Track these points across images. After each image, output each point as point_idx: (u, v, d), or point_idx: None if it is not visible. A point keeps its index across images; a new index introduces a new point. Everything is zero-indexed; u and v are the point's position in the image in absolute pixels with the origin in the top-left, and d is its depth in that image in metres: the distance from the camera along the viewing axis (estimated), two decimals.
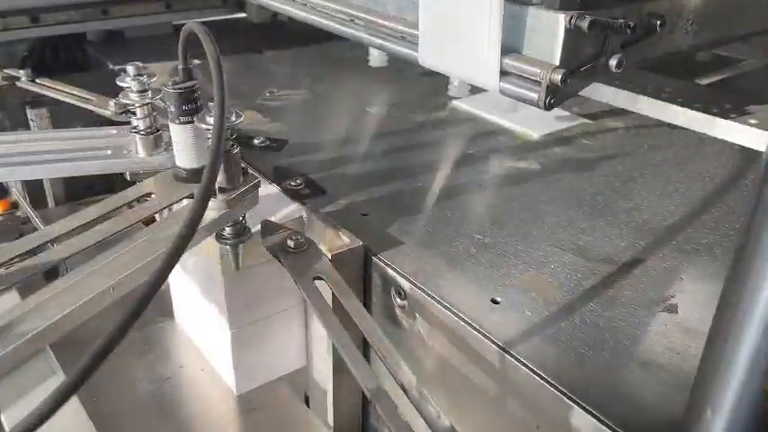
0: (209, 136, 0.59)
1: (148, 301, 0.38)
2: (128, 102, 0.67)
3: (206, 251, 0.68)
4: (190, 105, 0.61)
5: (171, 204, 0.62)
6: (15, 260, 0.55)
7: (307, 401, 0.79)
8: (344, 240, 0.64)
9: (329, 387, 0.69)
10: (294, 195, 0.74)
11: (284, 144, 0.86)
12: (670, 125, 0.92)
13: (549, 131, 0.91)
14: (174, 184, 0.64)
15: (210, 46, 0.51)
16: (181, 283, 0.79)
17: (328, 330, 0.54)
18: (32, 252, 0.55)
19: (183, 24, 0.96)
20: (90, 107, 0.94)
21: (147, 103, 0.67)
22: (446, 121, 0.96)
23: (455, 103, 1.01)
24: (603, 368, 0.50)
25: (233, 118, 0.59)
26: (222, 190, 0.60)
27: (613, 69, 0.59)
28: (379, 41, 0.71)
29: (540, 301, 0.57)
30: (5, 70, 1.05)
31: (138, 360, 0.77)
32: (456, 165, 0.82)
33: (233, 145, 0.60)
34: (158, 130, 0.70)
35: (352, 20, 0.74)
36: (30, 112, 1.03)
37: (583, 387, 0.48)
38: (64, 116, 1.02)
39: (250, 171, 0.71)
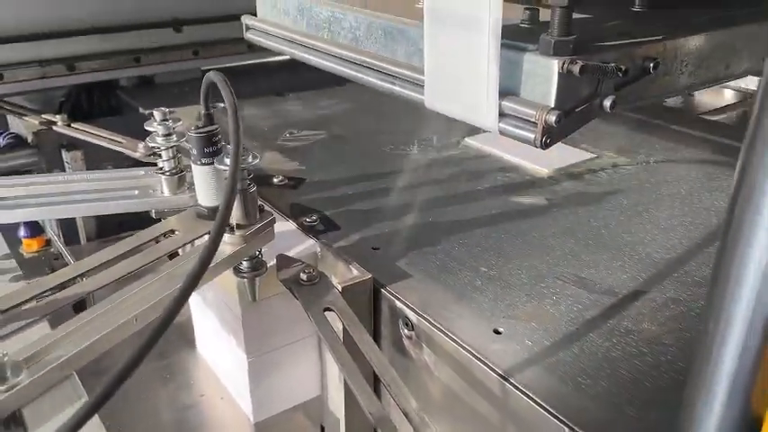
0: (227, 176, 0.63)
1: (162, 332, 0.42)
2: (154, 145, 0.71)
3: (225, 284, 0.71)
4: (210, 148, 0.66)
5: (193, 240, 0.66)
6: (47, 293, 0.59)
7: (322, 431, 0.81)
8: (354, 273, 0.67)
9: (341, 416, 0.71)
10: (309, 231, 0.77)
11: (301, 182, 0.90)
12: (677, 161, 0.95)
13: (559, 167, 0.94)
14: (197, 221, 0.69)
15: (228, 94, 0.55)
16: (202, 315, 0.83)
17: (337, 360, 0.56)
18: (62, 286, 0.59)
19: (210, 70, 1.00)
20: (121, 149, 1.00)
21: (171, 146, 0.72)
22: (458, 158, 1.00)
23: (467, 140, 1.04)
24: (598, 396, 0.52)
25: (249, 159, 0.63)
26: (239, 226, 0.64)
27: (607, 110, 0.62)
28: (389, 86, 0.75)
29: (540, 331, 0.60)
30: (43, 116, 1.12)
31: (161, 389, 0.80)
32: (466, 200, 0.85)
33: (250, 184, 0.64)
34: (182, 171, 0.74)
35: (363, 65, 0.78)
36: (65, 155, 1.09)
37: (576, 412, 0.50)
38: (97, 158, 1.08)
39: (267, 208, 0.75)
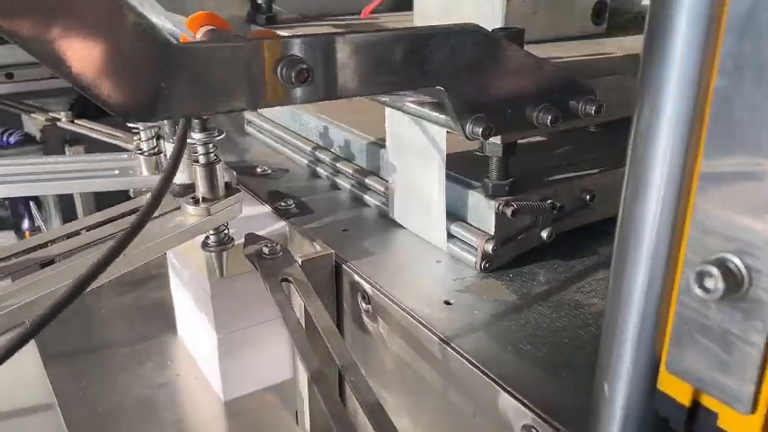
0: (196, 151, 0.66)
1: (95, 275, 0.44)
2: (133, 125, 0.74)
3: (196, 262, 0.73)
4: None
5: (162, 215, 0.69)
6: (18, 256, 0.62)
7: (296, 418, 0.82)
8: (316, 249, 0.68)
9: (305, 399, 0.72)
10: (283, 214, 0.79)
11: (284, 173, 0.93)
12: None
13: None
14: (168, 198, 0.71)
15: None
16: (181, 297, 0.85)
17: (286, 324, 0.58)
18: (31, 250, 0.62)
19: None
20: (118, 143, 1.04)
21: (150, 127, 0.75)
22: None
23: None
24: (538, 361, 0.53)
25: (215, 134, 0.65)
26: (205, 199, 0.66)
27: (545, 240, 0.67)
28: (362, 195, 0.81)
29: (489, 303, 0.60)
30: (49, 113, 1.17)
31: (137, 368, 0.82)
32: None
33: (215, 158, 0.66)
34: (160, 152, 0.77)
35: (345, 174, 0.86)
36: (68, 150, 1.14)
37: (512, 375, 0.51)
38: (97, 152, 1.12)
39: (252, 195, 0.78)
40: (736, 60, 0.30)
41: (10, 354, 0.40)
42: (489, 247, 0.63)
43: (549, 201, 0.66)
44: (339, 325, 0.71)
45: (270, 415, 0.78)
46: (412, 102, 0.65)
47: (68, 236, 0.65)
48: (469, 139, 0.58)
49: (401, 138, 0.70)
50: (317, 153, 0.90)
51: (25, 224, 1.14)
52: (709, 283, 0.32)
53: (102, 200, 1.16)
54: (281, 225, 0.77)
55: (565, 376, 0.51)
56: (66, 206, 1.17)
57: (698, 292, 0.32)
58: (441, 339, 0.55)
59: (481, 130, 0.57)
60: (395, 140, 0.72)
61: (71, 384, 0.79)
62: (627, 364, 0.40)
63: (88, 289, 0.57)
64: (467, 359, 0.53)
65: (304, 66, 0.46)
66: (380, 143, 0.77)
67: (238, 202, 0.69)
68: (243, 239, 0.71)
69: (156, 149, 0.76)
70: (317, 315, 0.59)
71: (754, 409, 0.33)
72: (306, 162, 0.92)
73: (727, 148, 0.31)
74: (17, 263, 0.60)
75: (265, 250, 0.67)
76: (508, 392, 0.49)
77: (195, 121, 0.64)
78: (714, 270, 0.31)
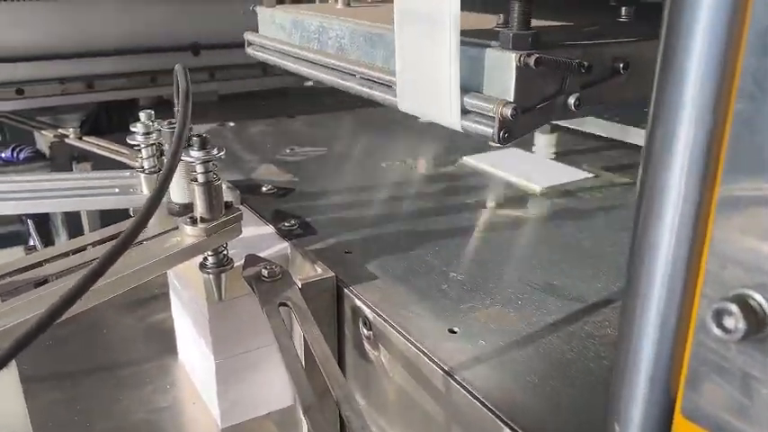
0: (194, 170, 0.64)
1: (81, 292, 0.42)
2: (134, 143, 0.73)
3: (195, 284, 0.71)
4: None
5: (160, 234, 0.67)
6: (11, 275, 0.61)
7: None
8: (317, 271, 0.66)
9: (305, 427, 0.69)
10: (287, 235, 0.77)
11: (290, 192, 0.91)
12: None
13: (552, 185, 0.92)
14: (167, 217, 0.69)
15: (183, 81, 0.56)
16: (181, 320, 0.83)
17: (282, 352, 0.55)
18: (24, 269, 0.60)
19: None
20: (123, 159, 1.03)
21: (150, 144, 0.73)
22: (452, 174, 0.99)
23: (465, 159, 1.03)
24: (545, 396, 0.50)
25: (214, 151, 0.63)
26: (203, 219, 0.64)
27: (572, 108, 0.60)
28: (368, 90, 0.75)
29: (497, 332, 0.57)
30: (59, 130, 1.17)
31: (135, 391, 0.80)
32: (450, 212, 0.84)
33: (215, 177, 0.65)
34: (161, 170, 0.75)
35: (346, 72, 0.79)
36: (75, 166, 1.13)
37: (518, 410, 0.48)
38: (105, 169, 1.11)
39: (255, 215, 0.76)
40: (758, 81, 0.28)
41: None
42: (508, 112, 0.55)
43: (576, 60, 0.57)
44: (340, 351, 0.68)
45: None
46: None
47: (62, 255, 0.63)
48: None
49: (409, 6, 0.63)
50: (318, 57, 0.83)
51: (31, 242, 1.13)
52: (728, 322, 0.29)
53: (108, 218, 1.15)
54: (283, 246, 0.75)
55: (573, 413, 0.48)
56: (74, 224, 1.16)
57: (716, 331, 0.29)
58: (444, 371, 0.53)
59: None
60: (403, 9, 0.64)
61: (66, 408, 0.77)
62: (639, 406, 0.37)
63: (75, 309, 0.55)
64: (470, 392, 0.50)
65: None
66: (386, 28, 0.72)
67: (238, 223, 0.67)
68: (243, 261, 0.69)
69: (158, 168, 0.75)
70: (314, 342, 0.56)
71: None
72: (308, 69, 0.86)
73: (747, 173, 0.29)
74: (10, 282, 0.58)
75: (264, 272, 0.65)
76: (512, 429, 0.47)
77: (194, 139, 0.62)
78: (734, 308, 0.28)
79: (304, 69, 0.87)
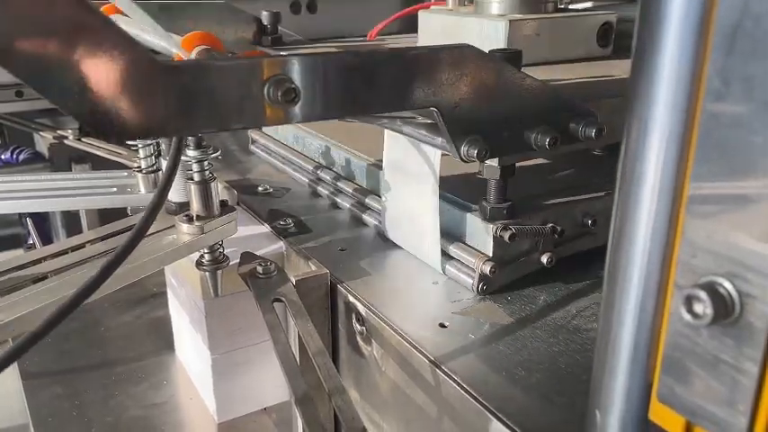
0: (190, 168, 0.65)
1: (87, 295, 0.43)
2: (132, 143, 0.74)
3: (192, 280, 0.73)
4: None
5: (157, 232, 0.68)
6: (10, 272, 0.62)
7: None
8: (312, 268, 0.67)
9: (300, 420, 0.71)
10: (281, 233, 0.78)
11: (285, 192, 0.92)
12: None
13: None
14: (164, 216, 0.71)
15: None
16: (178, 317, 0.84)
17: (276, 346, 0.57)
18: (23, 266, 0.62)
19: None
20: (122, 161, 1.04)
21: (148, 145, 0.75)
22: None
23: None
24: (532, 387, 0.51)
25: (210, 151, 0.65)
26: (199, 217, 0.66)
27: (545, 265, 0.66)
28: (360, 214, 0.80)
29: (486, 326, 0.59)
30: (57, 131, 1.18)
31: (132, 387, 0.81)
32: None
33: (210, 176, 0.66)
34: (158, 170, 0.77)
35: (344, 194, 0.85)
36: (74, 167, 1.14)
37: (505, 401, 0.49)
38: (103, 169, 1.12)
39: (249, 213, 0.78)
40: (723, 78, 0.29)
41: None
42: (487, 269, 0.62)
43: (549, 225, 0.64)
44: (334, 346, 0.69)
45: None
46: (407, 123, 0.64)
47: (61, 253, 0.65)
48: (464, 161, 0.57)
49: (397, 159, 0.70)
50: (318, 172, 0.90)
51: (30, 240, 1.14)
52: (698, 307, 0.30)
53: (106, 217, 1.16)
54: (278, 245, 0.76)
55: (559, 404, 0.49)
56: (72, 223, 1.17)
57: (687, 317, 0.31)
58: (433, 363, 0.54)
59: (476, 152, 0.56)
60: (391, 161, 0.71)
61: (65, 403, 0.78)
62: (619, 391, 0.38)
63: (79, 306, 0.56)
64: (459, 384, 0.51)
65: (291, 85, 0.45)
66: (379, 164, 0.76)
67: (233, 221, 0.68)
68: (238, 258, 0.71)
69: (155, 167, 0.76)
70: (307, 336, 0.58)
71: None
72: (307, 181, 0.92)
73: (715, 167, 0.30)
74: (9, 279, 0.60)
75: (259, 269, 0.66)
76: (500, 420, 0.48)
77: (190, 138, 0.64)
78: (703, 294, 0.30)
79: (305, 180, 0.93)
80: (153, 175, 0.76)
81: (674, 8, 0.31)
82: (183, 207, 0.70)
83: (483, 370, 0.53)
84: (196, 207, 0.65)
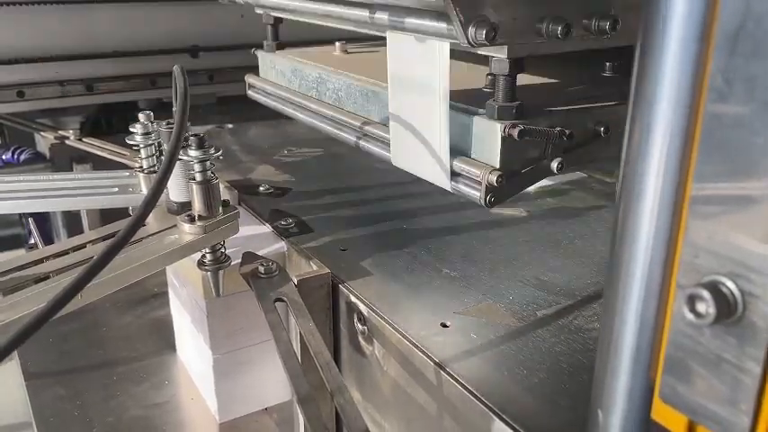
0: (192, 169, 0.65)
1: (80, 286, 0.43)
2: (133, 143, 0.74)
3: (193, 280, 0.73)
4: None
5: (159, 232, 0.68)
6: (12, 272, 0.62)
7: None
8: (313, 268, 0.68)
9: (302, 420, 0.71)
10: (283, 233, 0.78)
11: (287, 192, 0.92)
12: None
13: (546, 184, 0.94)
14: (166, 216, 0.71)
15: (182, 82, 0.57)
16: (179, 317, 0.84)
17: (278, 346, 0.57)
18: (25, 266, 0.62)
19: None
20: (123, 161, 1.05)
21: (149, 144, 0.75)
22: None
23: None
24: (534, 387, 0.51)
25: (211, 151, 0.65)
26: (201, 217, 0.66)
27: (555, 171, 0.63)
28: (363, 143, 0.79)
29: (488, 326, 0.59)
30: (59, 131, 1.18)
31: (134, 387, 0.81)
32: (443, 211, 0.85)
33: (212, 176, 0.66)
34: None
35: (342, 124, 0.83)
36: (75, 167, 1.14)
37: (507, 401, 0.49)
38: (104, 169, 1.12)
39: (253, 214, 0.78)
40: (725, 78, 0.29)
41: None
42: (494, 179, 0.59)
43: (558, 128, 0.61)
44: (336, 346, 0.69)
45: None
46: (411, 13, 0.61)
47: (62, 253, 0.65)
48: (473, 45, 0.54)
49: (402, 69, 0.66)
50: (318, 108, 0.87)
51: (32, 240, 1.14)
52: (700, 307, 0.30)
53: (108, 218, 1.16)
54: (280, 244, 0.76)
55: (561, 404, 0.49)
56: (74, 223, 1.17)
57: (690, 316, 0.31)
58: (435, 363, 0.54)
59: (485, 32, 0.53)
60: (396, 76, 0.67)
61: (68, 403, 0.78)
62: (621, 391, 0.38)
63: (78, 303, 0.56)
64: (461, 384, 0.51)
65: None
66: (381, 86, 0.74)
67: (235, 221, 0.68)
68: (240, 258, 0.71)
69: (157, 167, 0.76)
70: (308, 336, 0.58)
71: None
72: (306, 118, 0.90)
73: (718, 168, 0.30)
74: (11, 279, 0.60)
75: (261, 269, 0.66)
76: (502, 420, 0.48)
77: (192, 138, 0.64)
78: (705, 293, 0.30)
79: (303, 117, 0.91)
80: (154, 174, 0.76)
81: (676, 8, 0.31)
82: (185, 207, 0.70)
83: (485, 369, 0.53)
84: (198, 207, 0.65)
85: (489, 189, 0.60)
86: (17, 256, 0.64)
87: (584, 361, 0.54)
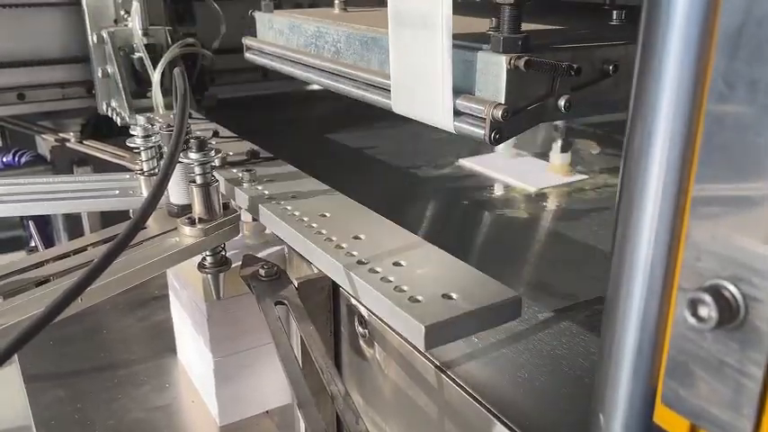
0: (192, 171, 0.65)
1: (82, 289, 0.43)
2: (133, 145, 0.74)
3: (194, 283, 0.73)
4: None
5: (160, 234, 0.68)
6: (12, 275, 0.62)
7: None
8: (313, 271, 0.67)
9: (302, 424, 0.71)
10: None
11: None
12: None
13: (547, 186, 0.93)
14: (166, 219, 0.71)
15: (181, 83, 0.57)
16: (180, 320, 0.84)
17: (278, 349, 0.57)
18: (25, 270, 0.62)
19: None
20: (123, 163, 1.05)
21: (150, 147, 0.75)
22: (448, 176, 1.00)
23: (461, 161, 1.05)
24: (534, 390, 0.51)
25: (212, 153, 0.65)
26: (201, 220, 0.66)
27: (562, 110, 0.62)
28: (362, 93, 0.77)
29: (489, 329, 0.59)
30: (59, 134, 1.18)
31: (134, 390, 0.81)
32: (444, 212, 0.85)
33: (213, 179, 0.66)
34: None
35: (341, 75, 0.81)
36: (76, 170, 1.14)
37: (508, 404, 0.49)
38: (105, 172, 1.12)
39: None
40: (727, 80, 0.29)
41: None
42: (499, 113, 0.56)
43: (565, 63, 0.58)
44: (336, 349, 0.69)
45: None
46: None
47: (63, 256, 0.65)
48: None
49: (403, 6, 0.64)
50: (315, 61, 0.85)
51: (32, 243, 1.14)
52: (702, 311, 0.30)
53: (109, 220, 1.16)
54: (280, 247, 0.76)
55: (562, 407, 0.49)
56: (74, 226, 1.17)
57: (691, 320, 0.31)
58: (436, 366, 0.54)
59: None
60: (397, 12, 0.65)
61: (68, 406, 0.78)
62: (622, 395, 0.38)
63: (80, 306, 0.56)
64: (461, 387, 0.51)
65: None
66: (380, 32, 0.72)
67: (236, 223, 0.68)
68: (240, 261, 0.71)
69: (157, 170, 0.76)
70: (309, 339, 0.58)
71: None
72: (305, 73, 0.88)
73: (719, 170, 0.30)
74: (11, 282, 0.60)
75: (261, 272, 0.66)
76: (503, 423, 0.48)
77: (192, 141, 0.64)
78: (707, 297, 0.30)
79: (301, 73, 0.89)
80: (155, 177, 0.76)
81: (678, 11, 0.31)
82: (186, 210, 0.70)
83: (485, 373, 0.53)
84: (198, 210, 0.65)
85: (494, 125, 0.58)
86: (18, 259, 0.64)
87: (585, 364, 0.54)
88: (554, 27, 0.75)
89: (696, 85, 0.31)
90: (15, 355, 0.54)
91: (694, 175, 0.31)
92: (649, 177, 0.34)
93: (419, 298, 0.52)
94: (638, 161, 0.34)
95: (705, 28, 0.30)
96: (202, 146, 0.64)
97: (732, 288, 0.30)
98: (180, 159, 0.66)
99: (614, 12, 0.79)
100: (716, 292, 0.30)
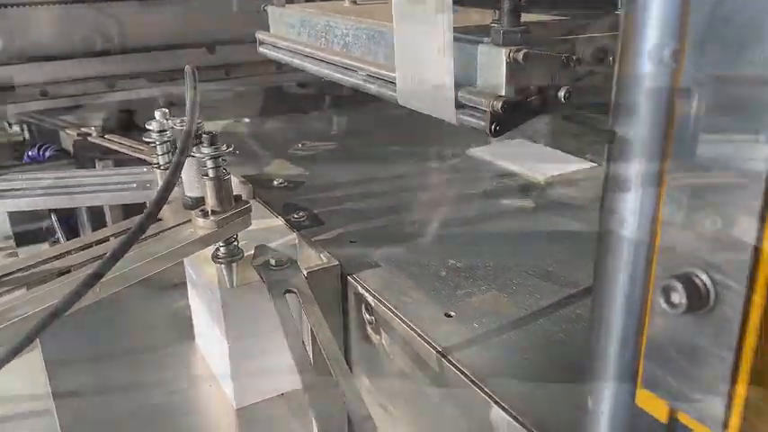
0: (205, 165, 0.68)
1: (98, 278, 0.45)
2: (149, 140, 0.77)
3: (208, 272, 0.75)
4: (194, 140, 0.70)
5: (174, 226, 0.71)
6: (35, 267, 0.65)
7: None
8: (323, 260, 0.70)
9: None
10: (295, 226, 0.81)
11: (300, 185, 0.94)
12: None
13: (555, 175, 0.94)
14: (181, 211, 0.73)
15: (192, 80, 0.60)
16: (197, 307, 0.87)
17: (287, 336, 0.59)
18: (48, 261, 0.65)
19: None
20: (142, 156, 1.07)
21: (165, 141, 0.77)
22: (457, 166, 1.01)
23: (470, 150, 1.06)
24: (536, 376, 0.53)
25: (223, 147, 0.67)
26: (214, 212, 0.68)
27: (562, 100, 0.63)
28: (369, 86, 0.78)
29: (490, 315, 0.60)
30: (81, 128, 1.22)
31: (153, 374, 0.84)
32: (453, 203, 0.87)
33: (224, 172, 0.68)
34: None
35: (349, 68, 0.82)
36: (97, 164, 1.18)
37: (508, 390, 0.51)
38: (125, 165, 1.16)
39: (263, 206, 0.80)
40: (695, 75, 0.30)
41: (13, 354, 0.42)
42: (499, 105, 0.58)
43: (565, 54, 0.61)
44: (346, 337, 0.71)
45: (282, 423, 0.79)
46: None
47: (85, 247, 0.68)
48: None
49: (405, 2, 0.66)
50: (324, 55, 0.88)
51: (55, 235, 1.18)
52: (674, 297, 0.32)
53: (131, 213, 1.19)
54: (292, 237, 0.79)
55: (561, 392, 0.51)
56: (98, 218, 1.21)
57: (664, 306, 0.32)
58: (438, 352, 0.56)
59: None
60: (400, 8, 0.67)
61: (90, 389, 0.82)
62: (609, 380, 0.40)
63: (99, 294, 0.59)
64: (463, 373, 0.53)
65: None
66: (387, 26, 0.74)
67: (247, 215, 0.71)
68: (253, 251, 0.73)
69: None
70: (317, 326, 0.60)
71: (725, 427, 0.32)
72: (315, 67, 0.90)
73: (690, 161, 0.31)
74: (34, 273, 0.63)
75: (272, 261, 0.69)
76: (503, 408, 0.50)
77: (204, 136, 0.66)
78: (678, 284, 0.31)
79: (311, 67, 0.91)
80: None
81: (653, 8, 0.32)
82: (200, 202, 0.72)
83: (487, 359, 0.54)
84: (211, 202, 0.68)
85: (494, 117, 0.60)
86: (42, 250, 0.67)
87: (585, 351, 0.55)
88: (555, 18, 0.76)
89: (669, 79, 0.32)
90: (38, 341, 0.57)
91: (668, 164, 0.33)
92: (632, 164, 0.35)
93: None
94: (619, 150, 0.36)
95: (679, 25, 0.31)
96: (214, 140, 0.66)
97: (703, 276, 0.31)
98: (193, 153, 0.69)
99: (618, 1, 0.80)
100: (687, 280, 0.31)
